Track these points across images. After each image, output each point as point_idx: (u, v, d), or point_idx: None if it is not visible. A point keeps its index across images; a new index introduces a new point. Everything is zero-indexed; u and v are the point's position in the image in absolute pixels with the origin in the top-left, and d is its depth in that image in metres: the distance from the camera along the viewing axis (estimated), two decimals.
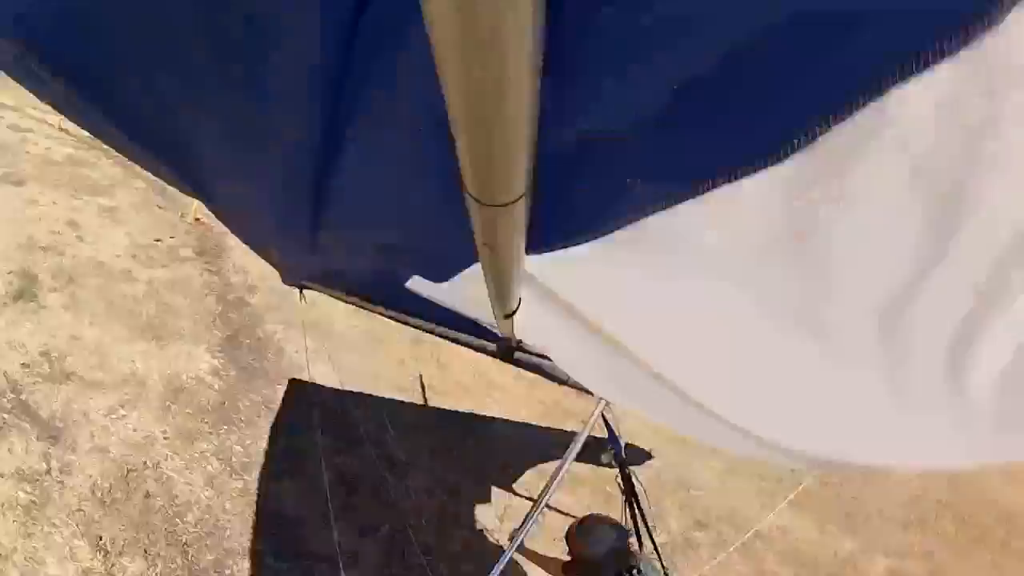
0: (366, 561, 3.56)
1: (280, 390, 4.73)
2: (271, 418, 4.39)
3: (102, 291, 4.84)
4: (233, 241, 5.66)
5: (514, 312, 1.06)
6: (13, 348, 3.90)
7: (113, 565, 2.90)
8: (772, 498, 5.54)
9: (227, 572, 3.13)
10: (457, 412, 5.43)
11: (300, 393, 4.76)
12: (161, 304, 5.05)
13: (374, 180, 0.98)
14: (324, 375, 4.82)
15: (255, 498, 3.67)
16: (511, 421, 5.62)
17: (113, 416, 3.72)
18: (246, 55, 0.61)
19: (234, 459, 3.89)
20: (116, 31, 0.64)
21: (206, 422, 4.07)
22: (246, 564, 3.21)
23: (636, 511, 2.51)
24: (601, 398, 2.06)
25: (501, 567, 1.88)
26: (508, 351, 2.06)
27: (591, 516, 2.37)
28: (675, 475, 5.43)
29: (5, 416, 3.44)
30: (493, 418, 5.55)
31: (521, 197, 0.51)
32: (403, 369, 5.62)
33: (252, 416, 4.35)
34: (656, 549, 2.48)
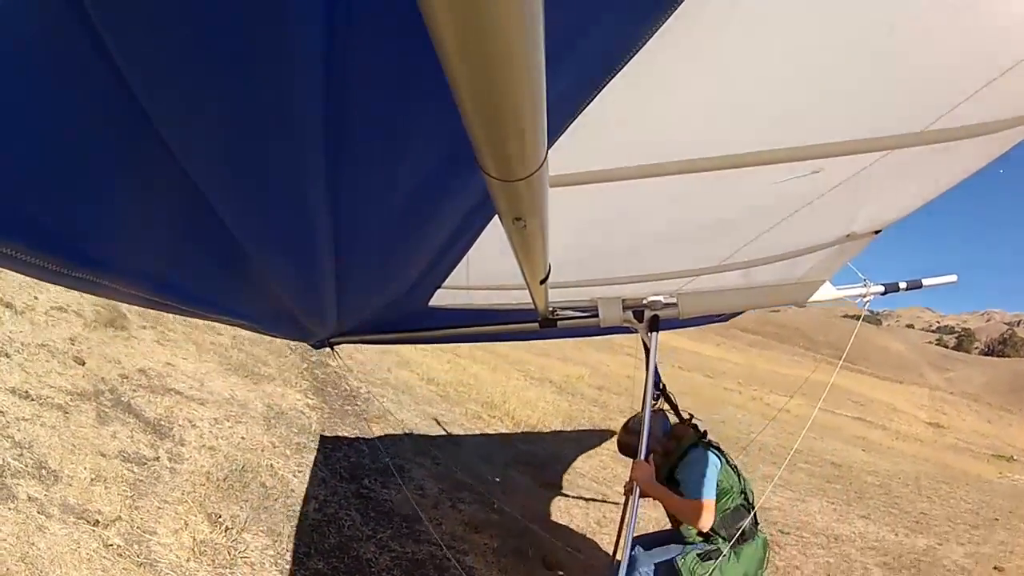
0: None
1: (372, 427, 4.96)
2: (368, 446, 4.56)
3: (190, 335, 5.19)
4: None
5: (547, 277, 1.15)
6: (109, 361, 4.02)
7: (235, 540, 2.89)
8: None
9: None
10: None
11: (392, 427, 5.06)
12: (249, 354, 5.44)
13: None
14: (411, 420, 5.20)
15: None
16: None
17: (219, 426, 3.91)
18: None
19: (342, 470, 4.05)
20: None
21: (311, 439, 4.32)
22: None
23: (669, 400, 2.86)
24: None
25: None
26: (549, 321, 2.17)
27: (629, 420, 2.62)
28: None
29: (107, 410, 3.45)
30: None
31: (539, 169, 0.53)
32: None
33: (351, 440, 4.58)
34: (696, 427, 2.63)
